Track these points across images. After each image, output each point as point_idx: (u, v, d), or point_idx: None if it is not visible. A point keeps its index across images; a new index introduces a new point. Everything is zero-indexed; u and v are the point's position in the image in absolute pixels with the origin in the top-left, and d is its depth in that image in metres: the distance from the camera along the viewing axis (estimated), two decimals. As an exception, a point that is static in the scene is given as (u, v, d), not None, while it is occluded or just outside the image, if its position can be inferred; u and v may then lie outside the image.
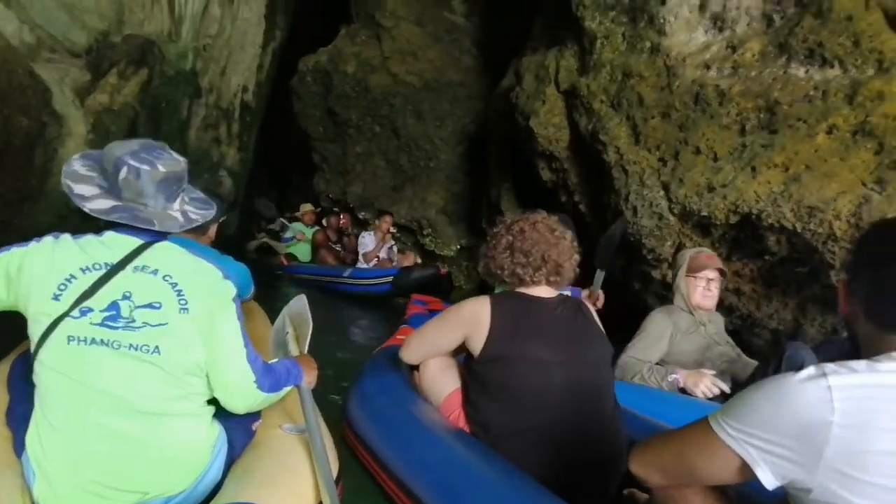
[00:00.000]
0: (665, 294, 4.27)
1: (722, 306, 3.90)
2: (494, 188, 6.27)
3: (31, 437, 1.35)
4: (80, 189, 1.42)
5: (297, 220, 8.74)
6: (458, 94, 7.55)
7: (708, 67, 3.80)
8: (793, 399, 0.93)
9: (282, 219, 9.18)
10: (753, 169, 3.37)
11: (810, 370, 0.94)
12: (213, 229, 2.75)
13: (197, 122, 8.53)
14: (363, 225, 8.07)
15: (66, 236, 1.41)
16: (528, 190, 5.66)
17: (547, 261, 1.83)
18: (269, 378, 1.55)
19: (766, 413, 0.95)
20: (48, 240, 1.40)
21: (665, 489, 1.18)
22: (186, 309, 1.39)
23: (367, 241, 7.17)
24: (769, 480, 0.96)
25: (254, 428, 1.68)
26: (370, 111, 7.74)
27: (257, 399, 1.54)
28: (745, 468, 0.98)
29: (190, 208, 1.53)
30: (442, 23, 7.82)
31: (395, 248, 7.37)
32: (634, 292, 4.51)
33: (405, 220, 7.63)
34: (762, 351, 3.89)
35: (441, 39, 7.81)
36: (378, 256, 7.10)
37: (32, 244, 1.39)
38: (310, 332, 2.02)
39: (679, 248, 3.85)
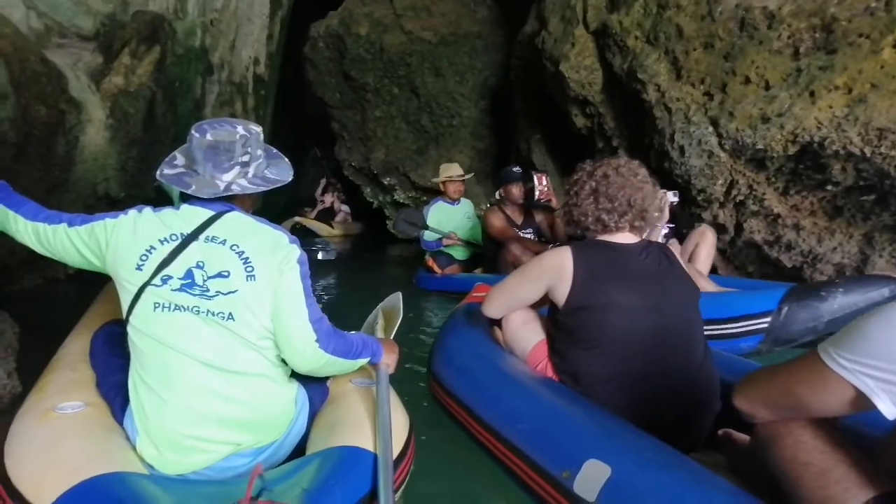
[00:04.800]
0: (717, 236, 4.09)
1: (779, 243, 3.72)
2: (523, 141, 6.06)
3: (132, 398, 1.45)
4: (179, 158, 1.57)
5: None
6: (476, 46, 7.29)
7: (753, -11, 3.54)
8: None
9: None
10: (812, 94, 3.15)
11: None
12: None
13: (212, 100, 8.34)
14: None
15: (148, 209, 1.51)
16: (560, 139, 5.45)
17: (633, 205, 1.78)
18: (334, 341, 1.56)
19: (882, 341, 0.91)
20: (132, 212, 1.49)
21: (770, 423, 1.16)
22: (253, 276, 1.44)
23: None
24: (890, 410, 0.93)
25: (328, 385, 1.76)
26: (387, 73, 7.51)
27: (321, 359, 1.54)
28: (860, 399, 0.95)
29: (243, 182, 1.53)
30: (453, -27, 7.49)
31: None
32: (681, 236, 4.33)
33: (431, 183, 7.47)
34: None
35: (454, -9, 7.50)
36: None
37: (121, 216, 1.48)
38: (398, 323, 2.13)
39: (731, 185, 3.66)
